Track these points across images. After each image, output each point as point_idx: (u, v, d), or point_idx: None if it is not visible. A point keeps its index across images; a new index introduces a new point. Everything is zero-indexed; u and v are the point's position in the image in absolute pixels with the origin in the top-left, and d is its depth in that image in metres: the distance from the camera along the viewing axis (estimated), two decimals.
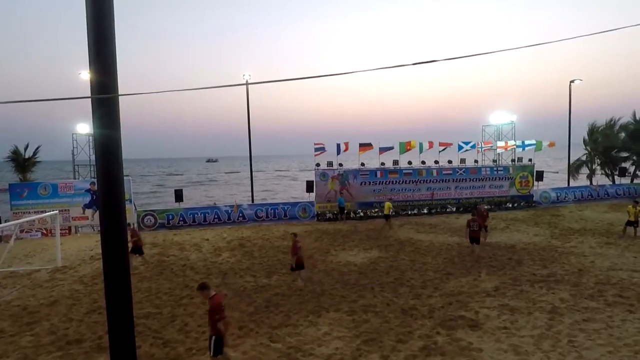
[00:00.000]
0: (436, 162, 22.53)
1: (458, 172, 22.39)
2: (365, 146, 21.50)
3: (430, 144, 22.27)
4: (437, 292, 9.34)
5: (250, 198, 23.73)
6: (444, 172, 22.24)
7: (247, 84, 7.90)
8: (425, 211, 21.69)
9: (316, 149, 21.01)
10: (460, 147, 22.77)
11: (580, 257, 11.92)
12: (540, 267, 11.02)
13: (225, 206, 20.46)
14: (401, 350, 6.57)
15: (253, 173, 24.42)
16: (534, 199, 23.22)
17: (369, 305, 8.61)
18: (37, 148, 21.81)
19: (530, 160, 23.73)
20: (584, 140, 28.50)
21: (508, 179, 22.94)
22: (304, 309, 8.52)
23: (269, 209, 20.76)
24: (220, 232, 18.09)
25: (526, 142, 23.76)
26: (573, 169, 28.24)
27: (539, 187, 24.10)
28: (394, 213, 19.17)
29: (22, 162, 21.20)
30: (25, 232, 18.25)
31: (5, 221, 17.67)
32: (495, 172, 22.93)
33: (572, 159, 27.63)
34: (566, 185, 26.46)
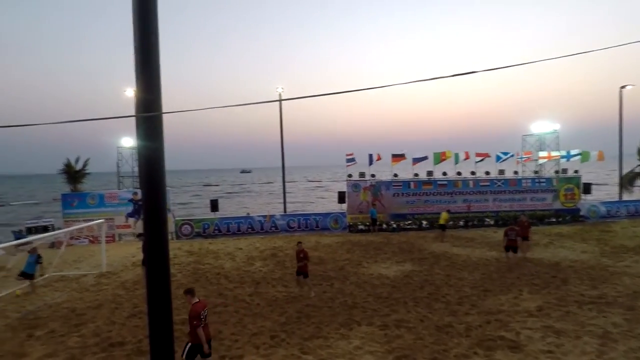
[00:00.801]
0: (473, 173, 21.78)
1: (496, 183, 21.49)
2: (398, 157, 21.22)
3: (467, 155, 21.59)
4: (474, 309, 8.92)
5: (283, 208, 24.05)
6: (481, 184, 21.41)
7: (280, 100, 8.10)
8: (462, 224, 20.95)
9: (348, 160, 21.02)
10: (498, 158, 21.90)
11: (636, 278, 10.95)
12: (589, 288, 10.24)
13: (259, 216, 20.86)
14: None
15: (286, 184, 24.78)
16: (581, 213, 21.75)
17: (402, 320, 8.38)
18: (87, 161, 23.44)
19: (576, 171, 22.33)
20: (639, 150, 26.44)
21: (551, 192, 21.68)
22: (335, 321, 8.44)
23: (301, 220, 20.91)
24: (253, 241, 18.43)
25: (571, 152, 22.44)
26: (626, 182, 26.19)
27: (586, 201, 22.57)
28: (450, 223, 18.70)
29: (73, 174, 22.82)
30: (75, 239, 19.56)
31: (58, 229, 19.08)
32: (537, 184, 21.76)
33: (624, 171, 25.66)
34: (618, 199, 24.59)
